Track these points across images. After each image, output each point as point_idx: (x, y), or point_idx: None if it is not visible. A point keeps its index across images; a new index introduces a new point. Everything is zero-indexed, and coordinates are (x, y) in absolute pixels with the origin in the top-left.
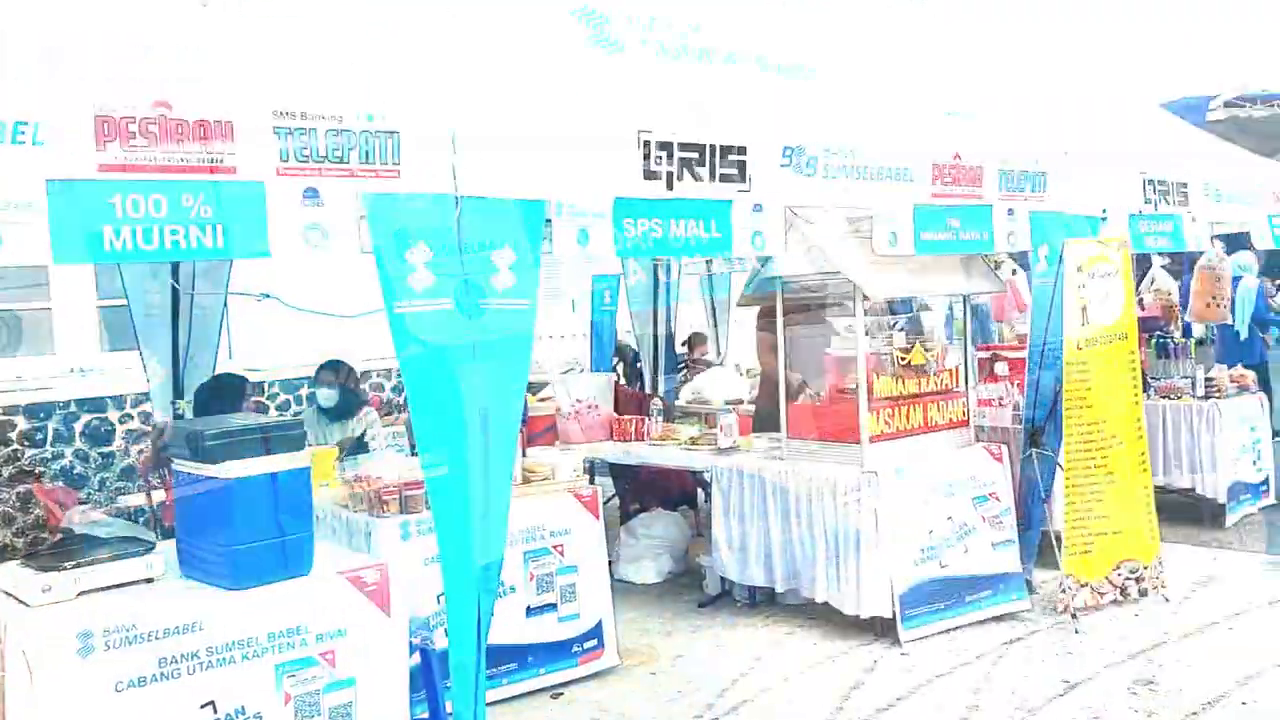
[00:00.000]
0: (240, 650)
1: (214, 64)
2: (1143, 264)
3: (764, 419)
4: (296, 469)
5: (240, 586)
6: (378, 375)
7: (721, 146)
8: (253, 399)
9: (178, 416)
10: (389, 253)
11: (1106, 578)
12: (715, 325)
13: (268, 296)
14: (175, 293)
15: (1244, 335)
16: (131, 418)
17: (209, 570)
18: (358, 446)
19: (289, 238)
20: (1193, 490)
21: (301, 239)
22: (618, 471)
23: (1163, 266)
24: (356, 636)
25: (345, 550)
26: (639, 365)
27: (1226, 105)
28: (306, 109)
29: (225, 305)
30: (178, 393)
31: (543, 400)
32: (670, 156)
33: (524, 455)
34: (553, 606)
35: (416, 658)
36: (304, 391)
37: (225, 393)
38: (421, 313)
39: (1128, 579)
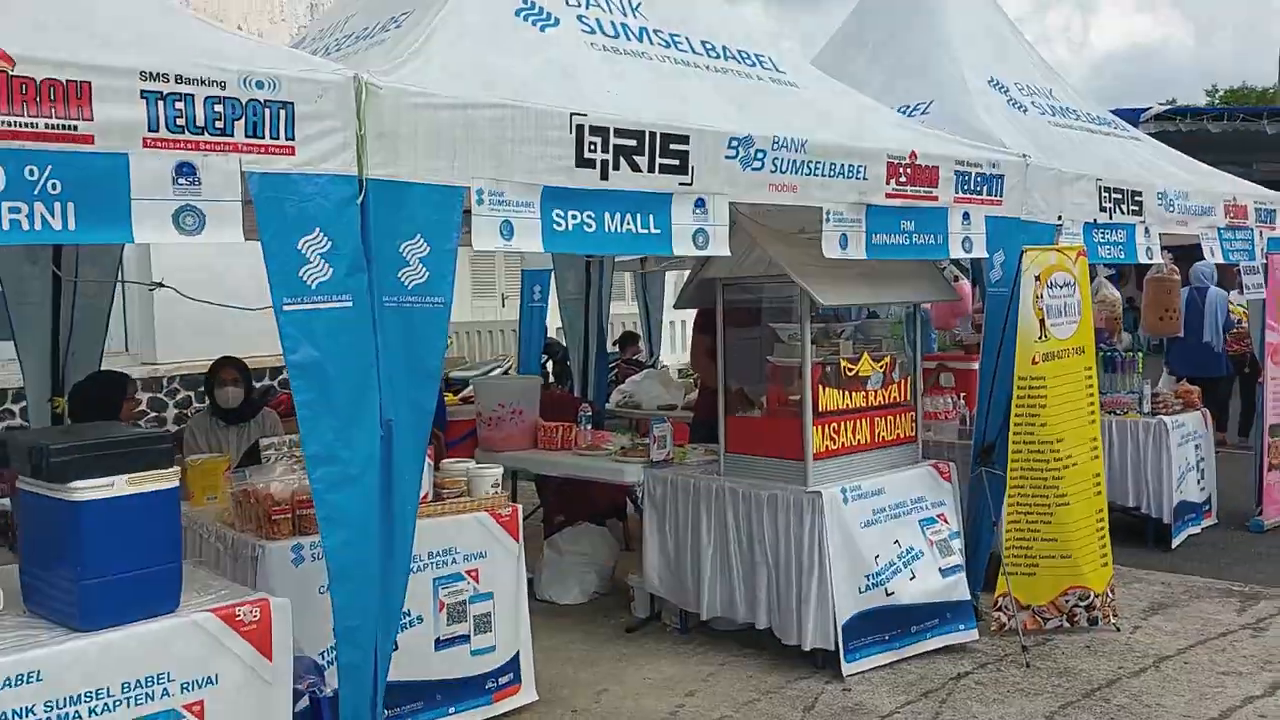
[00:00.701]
0: (88, 704)
1: (68, 15)
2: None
3: (703, 430)
4: (162, 490)
5: (91, 627)
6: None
7: (662, 134)
8: (137, 399)
9: (55, 415)
10: (279, 241)
11: (1052, 602)
12: (648, 325)
13: (161, 285)
14: (56, 279)
15: (1217, 347)
16: (13, 414)
17: (56, 607)
18: (254, 454)
19: (157, 220)
20: (1138, 509)
21: (172, 222)
22: (542, 480)
23: (1107, 277)
24: (230, 684)
25: (225, 580)
26: (569, 364)
27: (1157, 119)
28: (182, 71)
29: (115, 294)
30: (56, 389)
31: (465, 402)
32: (606, 143)
33: (437, 468)
34: (465, 638)
35: (305, 702)
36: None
37: (102, 392)
38: (316, 311)
39: (1076, 606)
